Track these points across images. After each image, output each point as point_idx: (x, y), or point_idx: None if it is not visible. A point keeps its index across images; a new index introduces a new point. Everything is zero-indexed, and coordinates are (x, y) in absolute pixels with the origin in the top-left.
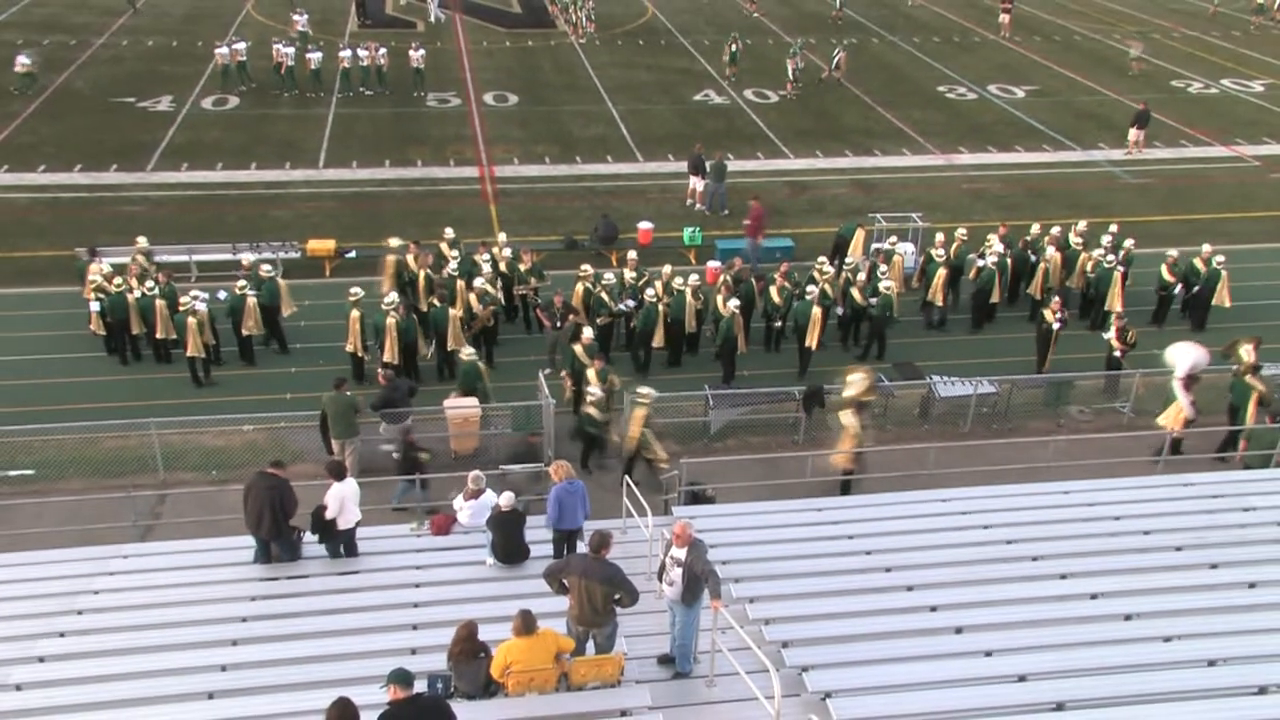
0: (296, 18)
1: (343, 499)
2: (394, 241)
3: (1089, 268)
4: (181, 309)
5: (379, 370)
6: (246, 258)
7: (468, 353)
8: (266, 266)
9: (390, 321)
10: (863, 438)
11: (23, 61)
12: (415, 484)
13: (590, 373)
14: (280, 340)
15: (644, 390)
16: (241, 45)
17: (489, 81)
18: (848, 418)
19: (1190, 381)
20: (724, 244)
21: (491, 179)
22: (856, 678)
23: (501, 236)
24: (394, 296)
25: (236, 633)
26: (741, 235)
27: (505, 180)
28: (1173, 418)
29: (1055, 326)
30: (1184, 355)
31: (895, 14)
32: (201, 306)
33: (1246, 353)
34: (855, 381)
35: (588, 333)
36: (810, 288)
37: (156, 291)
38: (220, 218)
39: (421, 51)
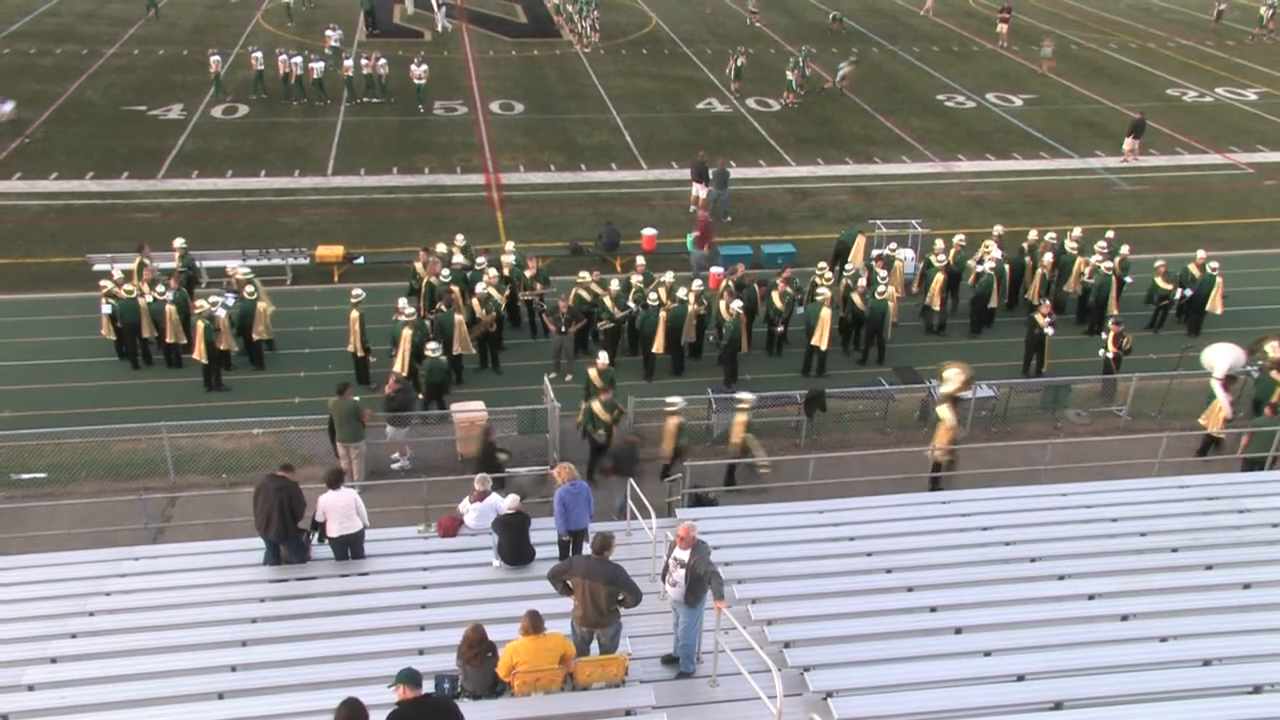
0: (330, 33)
1: (325, 510)
2: (441, 248)
3: (1085, 273)
4: (196, 312)
5: (390, 376)
6: (230, 265)
7: (432, 348)
8: (244, 269)
9: (406, 333)
10: (959, 431)
11: (3, 110)
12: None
13: (596, 404)
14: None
15: (745, 395)
16: (258, 55)
17: (495, 90)
18: (945, 411)
19: (1229, 381)
20: (726, 249)
21: (498, 186)
22: (857, 677)
23: (509, 245)
24: (409, 307)
25: (246, 633)
26: (743, 241)
27: (511, 187)
28: (1213, 417)
29: (1049, 332)
30: (1222, 356)
31: (895, 23)
32: (221, 313)
33: (1272, 349)
34: (952, 377)
35: (603, 358)
36: (823, 291)
37: (168, 297)
38: (230, 224)
39: (424, 67)
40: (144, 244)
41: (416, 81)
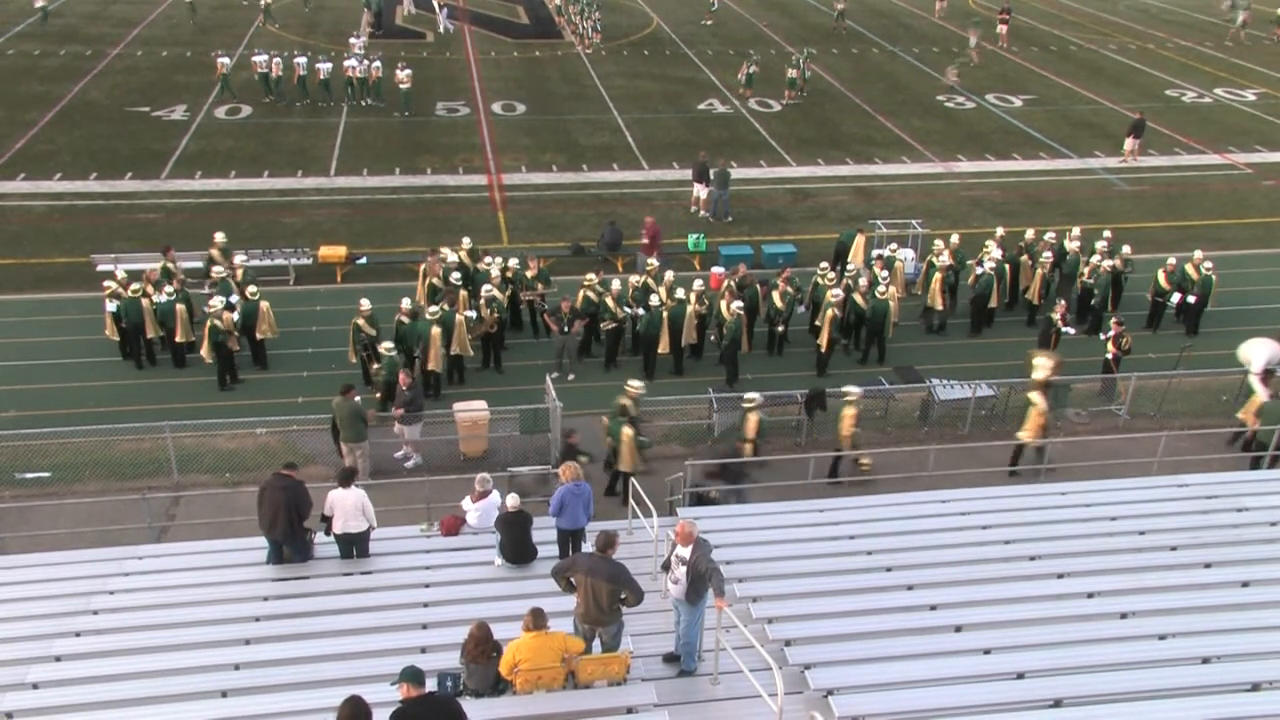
0: (354, 40)
1: (333, 505)
2: (449, 255)
3: (1085, 272)
4: (210, 311)
5: (401, 372)
6: (217, 269)
7: (387, 347)
8: (218, 269)
9: (435, 331)
10: (1050, 417)
11: None
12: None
13: (625, 430)
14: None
15: (852, 389)
16: (263, 58)
17: (497, 91)
18: (1037, 398)
19: (1267, 375)
20: (727, 250)
21: (500, 186)
22: (858, 675)
23: (489, 259)
24: (431, 305)
25: (249, 632)
26: (744, 241)
27: (513, 188)
28: (1252, 412)
29: (1070, 331)
30: (1260, 351)
31: (895, 24)
32: (236, 315)
33: None
34: (1042, 365)
35: (636, 384)
36: (836, 292)
37: (175, 297)
38: (234, 225)
39: (408, 71)
40: (169, 247)
41: (401, 86)
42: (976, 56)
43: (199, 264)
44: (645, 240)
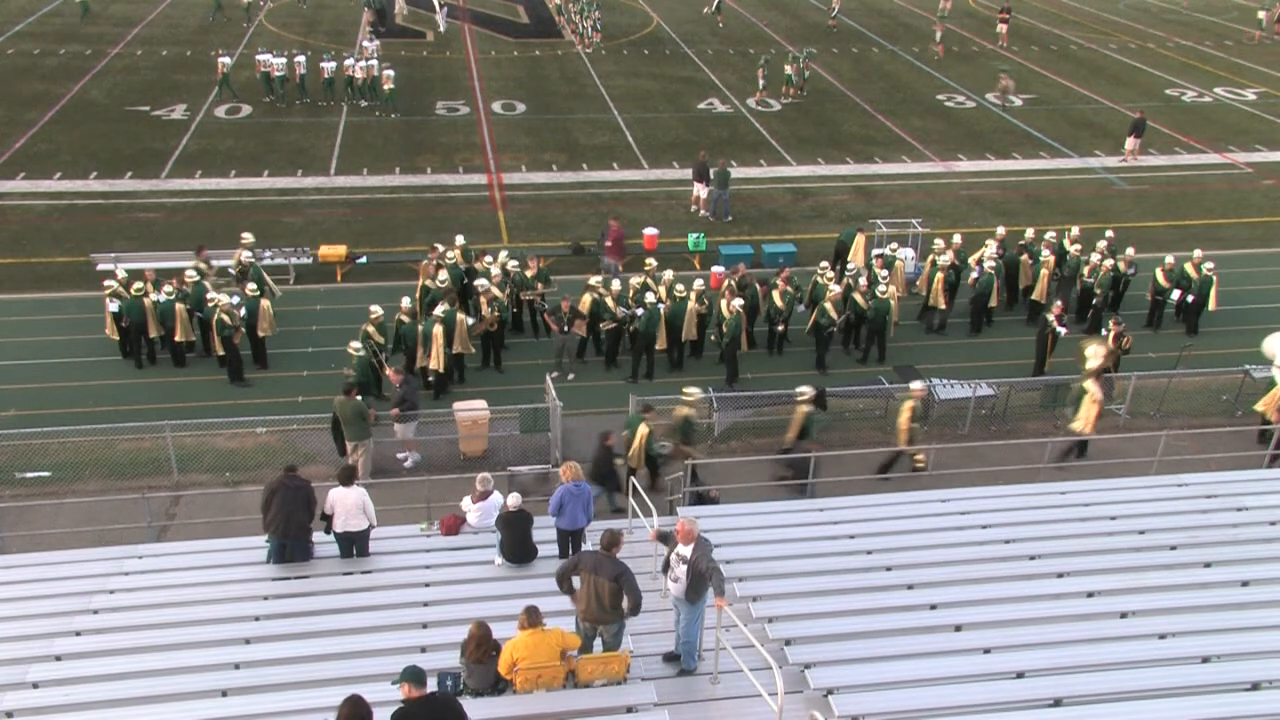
0: (367, 44)
1: (334, 504)
2: (450, 256)
3: (1085, 272)
4: (212, 304)
5: (391, 370)
6: (191, 273)
7: (355, 347)
8: (192, 272)
9: (438, 330)
10: (1103, 403)
11: None
12: (611, 488)
13: (641, 428)
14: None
15: (916, 385)
16: (265, 57)
17: (497, 90)
18: (1091, 385)
19: None
20: (727, 249)
21: (500, 186)
22: (858, 675)
23: (488, 258)
24: (444, 304)
25: (250, 631)
26: (744, 241)
27: (513, 187)
28: (1273, 406)
29: (1061, 332)
30: None
31: (895, 23)
32: (243, 311)
33: None
34: (1094, 353)
35: (692, 390)
36: (834, 287)
37: (175, 296)
38: (234, 224)
39: (389, 72)
40: (202, 246)
41: (386, 86)
42: (940, 50)
43: (229, 263)
44: (609, 243)
